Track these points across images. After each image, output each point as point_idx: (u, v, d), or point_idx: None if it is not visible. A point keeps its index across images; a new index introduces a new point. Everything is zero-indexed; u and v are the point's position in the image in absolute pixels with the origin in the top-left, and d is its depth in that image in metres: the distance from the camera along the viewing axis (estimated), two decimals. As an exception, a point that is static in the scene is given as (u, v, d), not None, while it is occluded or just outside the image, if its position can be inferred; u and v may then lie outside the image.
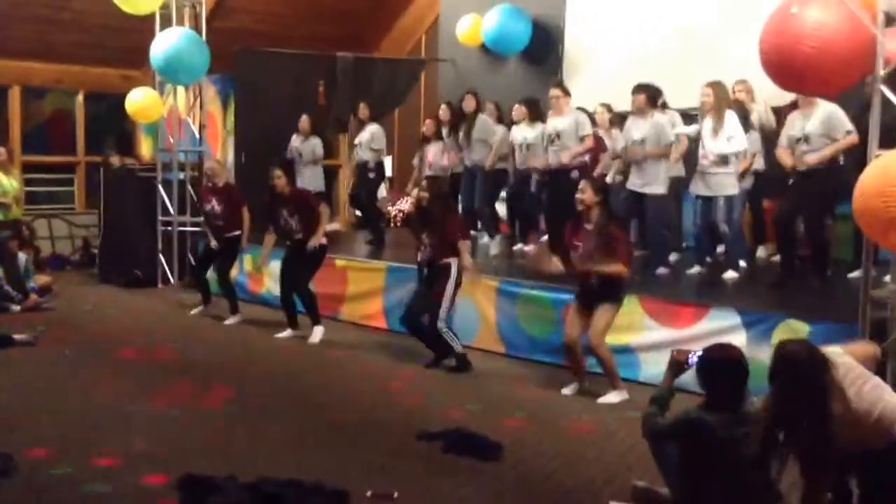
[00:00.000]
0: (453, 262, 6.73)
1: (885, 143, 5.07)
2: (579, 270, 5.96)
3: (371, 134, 9.89)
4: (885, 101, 5.06)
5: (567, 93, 8.32)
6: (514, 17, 10.65)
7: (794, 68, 4.96)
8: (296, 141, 10.31)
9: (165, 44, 9.42)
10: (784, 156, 6.82)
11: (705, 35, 8.93)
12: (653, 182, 7.59)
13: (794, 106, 7.09)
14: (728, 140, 7.03)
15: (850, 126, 6.52)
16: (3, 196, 9.58)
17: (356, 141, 10.06)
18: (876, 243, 5.09)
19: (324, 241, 7.62)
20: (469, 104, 9.13)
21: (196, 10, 10.32)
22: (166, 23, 9.99)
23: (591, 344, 5.95)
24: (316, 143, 10.34)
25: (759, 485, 3.66)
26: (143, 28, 10.24)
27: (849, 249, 7.28)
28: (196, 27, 10.18)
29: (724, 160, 7.08)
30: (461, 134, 9.24)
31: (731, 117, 7.09)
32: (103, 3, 9.61)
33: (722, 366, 3.71)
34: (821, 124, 6.58)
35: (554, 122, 8.22)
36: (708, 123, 7.13)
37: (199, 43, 9.68)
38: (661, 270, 7.56)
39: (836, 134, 6.56)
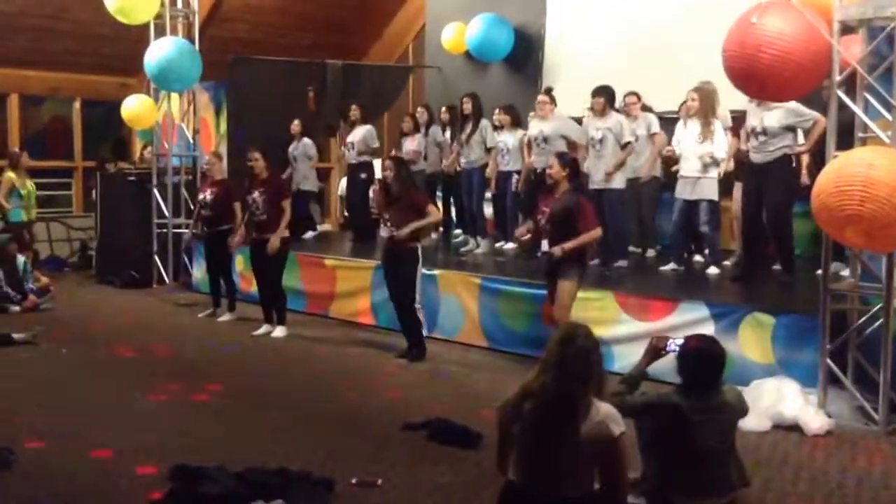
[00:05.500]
0: (418, 246, 7.03)
1: (842, 145, 5.32)
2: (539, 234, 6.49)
3: (364, 133, 10.13)
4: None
5: (554, 101, 8.61)
6: (497, 25, 10.88)
7: (755, 75, 5.20)
8: (291, 145, 10.58)
9: (158, 53, 9.68)
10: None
11: (684, 39, 9.11)
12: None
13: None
14: (713, 144, 7.25)
15: (814, 113, 6.67)
16: (27, 198, 10.17)
17: (349, 140, 10.26)
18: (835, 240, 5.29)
19: (286, 234, 7.84)
20: (466, 107, 9.34)
21: (189, 20, 10.56)
22: (161, 32, 10.23)
23: (554, 317, 6.21)
24: (307, 144, 10.60)
25: (725, 467, 3.91)
26: (138, 37, 10.48)
27: (806, 246, 7.52)
28: (189, 36, 10.42)
29: (708, 166, 7.29)
30: (462, 135, 9.39)
31: (717, 125, 7.32)
32: (99, 13, 9.87)
33: (700, 355, 3.93)
34: (783, 117, 6.72)
35: (541, 126, 8.47)
36: (693, 128, 7.35)
37: (191, 52, 9.93)
38: (621, 262, 7.94)
39: (805, 123, 6.74)
